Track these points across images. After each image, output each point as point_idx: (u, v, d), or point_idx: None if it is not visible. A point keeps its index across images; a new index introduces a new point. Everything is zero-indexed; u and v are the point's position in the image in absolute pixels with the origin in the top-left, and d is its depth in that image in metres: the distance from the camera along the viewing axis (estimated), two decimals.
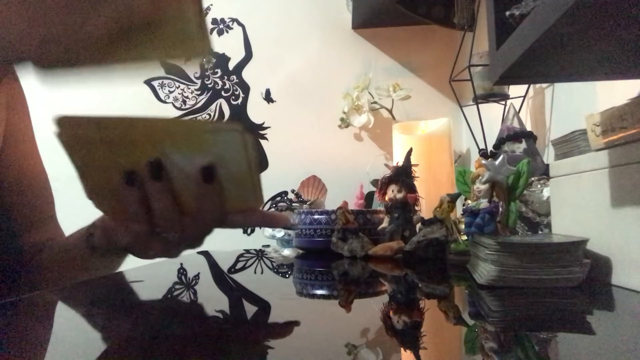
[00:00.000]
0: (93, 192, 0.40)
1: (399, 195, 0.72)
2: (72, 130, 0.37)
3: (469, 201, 0.61)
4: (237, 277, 0.61)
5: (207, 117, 1.60)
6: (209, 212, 0.39)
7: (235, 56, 1.68)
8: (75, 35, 0.33)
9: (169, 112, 1.60)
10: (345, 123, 1.54)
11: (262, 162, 1.63)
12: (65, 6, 0.32)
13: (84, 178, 0.40)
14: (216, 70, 1.68)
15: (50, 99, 1.28)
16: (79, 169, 0.39)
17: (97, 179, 0.40)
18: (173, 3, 0.35)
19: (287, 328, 0.32)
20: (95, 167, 0.39)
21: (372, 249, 0.71)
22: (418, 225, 0.72)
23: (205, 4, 1.70)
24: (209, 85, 1.65)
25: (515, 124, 0.88)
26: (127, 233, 0.42)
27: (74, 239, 0.52)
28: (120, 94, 1.54)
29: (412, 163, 0.75)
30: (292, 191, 1.43)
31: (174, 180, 0.38)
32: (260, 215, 0.42)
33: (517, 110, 0.92)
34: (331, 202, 1.31)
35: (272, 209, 1.59)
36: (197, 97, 1.64)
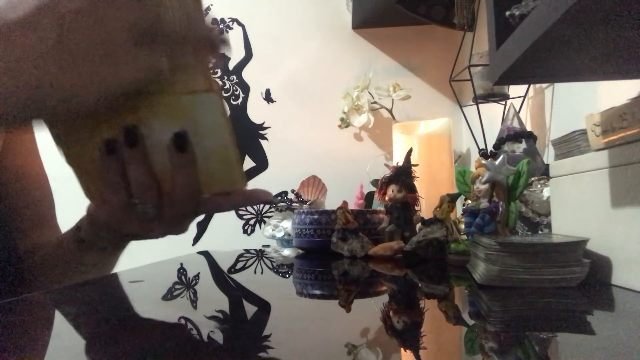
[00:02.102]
0: (74, 161, 0.39)
1: (399, 195, 0.72)
2: None
3: (469, 201, 0.61)
4: (237, 277, 0.61)
5: None
6: (185, 185, 0.38)
7: (235, 56, 1.68)
8: (92, 94, 0.32)
9: None
10: (345, 123, 1.54)
11: (262, 162, 1.63)
12: (84, 65, 0.31)
13: (64, 146, 0.38)
14: (216, 70, 1.68)
15: None
16: (58, 140, 0.38)
17: (78, 148, 0.38)
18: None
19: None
20: (76, 137, 0.38)
21: (372, 249, 0.71)
22: (418, 225, 0.72)
23: (205, 4, 1.70)
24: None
25: (515, 124, 0.88)
26: (104, 206, 0.40)
27: (64, 236, 0.52)
28: None
29: (412, 163, 0.75)
30: (292, 191, 1.43)
31: (150, 148, 0.37)
32: (241, 195, 0.40)
33: (517, 110, 0.92)
34: (331, 202, 1.32)
35: (272, 209, 1.59)
36: None
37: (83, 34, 0.30)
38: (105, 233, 0.45)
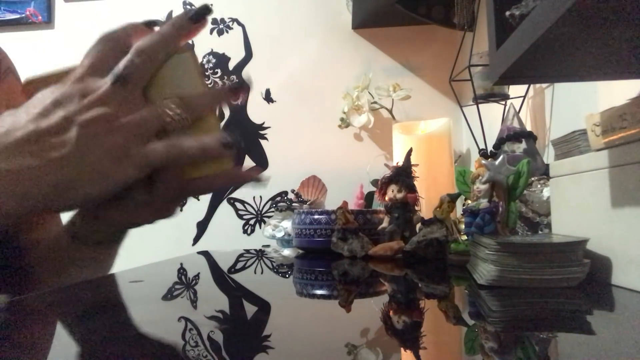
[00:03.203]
0: None
1: (399, 195, 0.72)
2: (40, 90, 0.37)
3: (469, 201, 0.61)
4: (237, 277, 0.61)
5: None
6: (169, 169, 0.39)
7: (235, 56, 1.68)
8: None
9: None
10: (345, 123, 1.54)
11: (262, 162, 1.63)
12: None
13: None
14: (216, 70, 1.68)
15: None
16: None
17: None
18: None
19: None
20: None
21: (372, 249, 0.71)
22: (418, 225, 0.72)
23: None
24: (209, 85, 1.65)
25: (515, 124, 0.88)
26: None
27: (60, 231, 0.52)
28: None
29: (412, 163, 0.75)
30: (292, 191, 1.43)
31: None
32: (230, 175, 0.41)
33: (517, 110, 0.92)
34: (331, 202, 1.32)
35: (273, 209, 1.59)
36: None
37: (99, 140, 0.35)
38: (97, 225, 0.45)
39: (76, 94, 0.35)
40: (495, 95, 1.04)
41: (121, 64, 0.36)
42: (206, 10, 0.39)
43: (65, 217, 0.59)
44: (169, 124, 0.37)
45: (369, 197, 1.39)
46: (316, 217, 0.80)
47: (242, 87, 0.40)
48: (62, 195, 0.35)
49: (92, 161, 0.35)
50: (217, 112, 0.40)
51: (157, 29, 0.39)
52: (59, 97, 0.35)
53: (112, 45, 0.37)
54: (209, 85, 1.69)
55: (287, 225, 1.31)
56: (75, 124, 0.34)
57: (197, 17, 0.39)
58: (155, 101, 0.37)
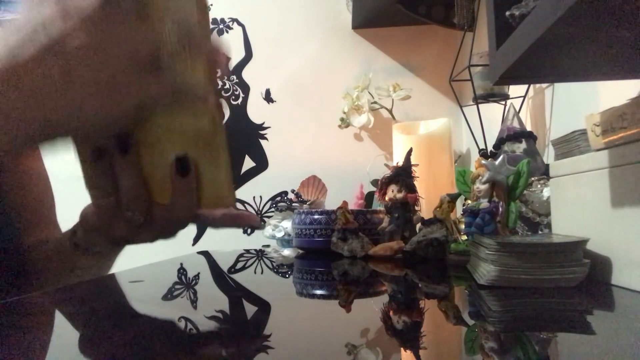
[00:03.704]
0: (81, 163, 0.39)
1: (399, 195, 0.72)
2: None
3: (469, 201, 0.61)
4: (237, 277, 0.61)
5: None
6: (184, 207, 0.38)
7: (235, 56, 1.68)
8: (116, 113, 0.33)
9: None
10: (345, 123, 1.54)
11: (262, 162, 1.63)
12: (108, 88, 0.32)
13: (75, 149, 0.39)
14: (216, 70, 1.68)
15: None
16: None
17: (84, 150, 0.38)
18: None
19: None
20: (85, 147, 0.38)
21: (372, 249, 0.71)
22: (418, 225, 0.72)
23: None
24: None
25: (515, 124, 0.88)
26: (94, 210, 0.41)
27: (62, 238, 0.52)
28: None
29: (412, 163, 0.75)
30: (292, 191, 1.43)
31: (149, 156, 0.38)
32: (229, 216, 0.41)
33: (517, 110, 0.92)
34: (331, 202, 1.32)
35: (273, 209, 1.59)
36: None
37: (87, 69, 0.31)
38: (97, 237, 0.45)
39: (57, 16, 0.30)
40: (495, 95, 1.04)
41: None
42: None
43: (66, 225, 0.60)
44: (164, 54, 0.33)
45: (369, 197, 1.39)
46: (316, 217, 0.80)
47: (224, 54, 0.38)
48: (51, 129, 0.32)
49: (78, 94, 0.31)
50: (213, 97, 0.39)
51: None
52: (37, 20, 0.30)
53: None
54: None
55: (287, 225, 1.31)
56: (57, 55, 0.30)
57: None
58: (152, 26, 0.32)
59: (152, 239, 0.42)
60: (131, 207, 0.38)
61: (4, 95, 0.30)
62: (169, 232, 0.41)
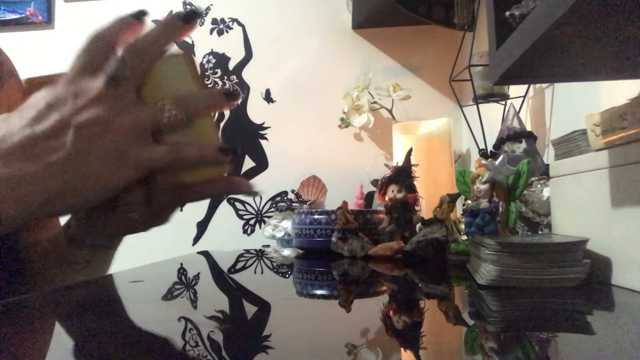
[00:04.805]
0: None
1: (399, 195, 0.72)
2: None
3: (469, 201, 0.61)
4: (237, 277, 0.61)
5: None
6: (166, 180, 0.38)
7: (235, 56, 1.68)
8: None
9: None
10: (345, 123, 1.54)
11: (262, 162, 1.63)
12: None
13: None
14: (216, 70, 1.68)
15: None
16: None
17: None
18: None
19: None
20: None
21: (372, 249, 0.71)
22: (418, 225, 0.72)
23: (205, 4, 1.70)
24: (209, 85, 1.65)
25: (515, 124, 0.88)
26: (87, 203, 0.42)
27: (57, 232, 0.52)
28: None
29: (412, 163, 0.75)
30: (292, 191, 1.43)
31: None
32: (221, 183, 0.41)
33: (517, 110, 0.92)
34: (331, 202, 1.32)
35: (273, 209, 1.59)
36: None
37: (95, 142, 0.34)
38: (92, 229, 0.45)
39: (69, 96, 0.35)
40: (495, 95, 1.04)
41: (113, 64, 0.36)
42: (195, 14, 0.39)
43: (63, 218, 0.59)
44: (165, 125, 0.36)
45: (369, 197, 1.39)
46: (316, 217, 0.80)
47: (237, 95, 0.40)
48: (61, 199, 0.35)
49: (89, 164, 0.34)
50: (214, 115, 0.40)
51: (147, 18, 0.39)
52: (52, 99, 0.35)
53: (103, 44, 0.37)
54: (209, 85, 1.69)
55: (287, 225, 1.31)
56: (70, 126, 0.34)
57: (186, 19, 0.38)
58: (149, 102, 0.37)
59: (145, 227, 0.42)
60: (126, 202, 0.38)
61: (23, 165, 0.34)
62: (160, 215, 0.41)
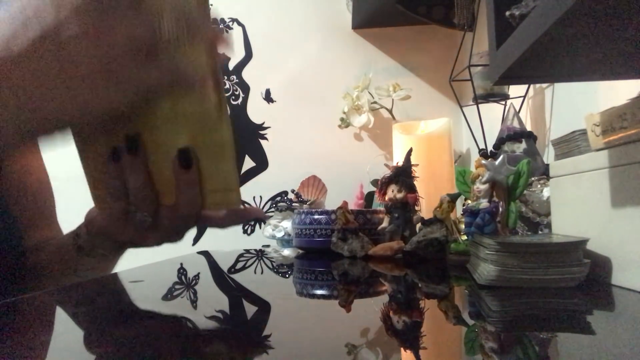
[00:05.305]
0: (86, 167, 0.39)
1: (399, 195, 0.72)
2: None
3: (469, 201, 0.61)
4: (237, 277, 0.61)
5: None
6: (188, 202, 0.38)
7: (235, 56, 1.68)
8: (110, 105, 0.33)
9: None
10: (345, 123, 1.54)
11: (262, 162, 1.63)
12: (102, 78, 0.31)
13: (79, 153, 0.39)
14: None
15: None
16: (76, 144, 0.38)
17: (88, 155, 0.39)
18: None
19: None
20: (86, 144, 0.38)
21: (372, 249, 0.71)
22: (418, 225, 0.72)
23: None
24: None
25: (515, 124, 0.88)
26: (102, 212, 0.41)
27: (65, 239, 0.52)
28: None
29: (412, 163, 0.75)
30: (292, 191, 1.43)
31: (156, 157, 0.37)
32: (235, 213, 0.41)
33: (517, 110, 0.92)
34: (331, 202, 1.32)
35: (273, 209, 1.59)
36: None
37: (84, 58, 0.30)
38: (102, 240, 0.45)
39: (49, 7, 0.30)
40: (495, 95, 1.04)
41: None
42: None
43: (66, 225, 0.60)
44: (161, 39, 0.32)
45: (369, 197, 1.39)
46: (316, 217, 0.80)
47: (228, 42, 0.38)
48: (56, 122, 0.32)
49: (74, 84, 0.31)
50: (214, 81, 0.38)
51: None
52: (29, 13, 0.30)
53: None
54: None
55: (287, 225, 1.31)
56: (51, 45, 0.30)
57: None
58: (145, 11, 0.32)
59: (159, 242, 0.41)
60: (140, 209, 0.38)
61: None
62: (175, 233, 0.41)
